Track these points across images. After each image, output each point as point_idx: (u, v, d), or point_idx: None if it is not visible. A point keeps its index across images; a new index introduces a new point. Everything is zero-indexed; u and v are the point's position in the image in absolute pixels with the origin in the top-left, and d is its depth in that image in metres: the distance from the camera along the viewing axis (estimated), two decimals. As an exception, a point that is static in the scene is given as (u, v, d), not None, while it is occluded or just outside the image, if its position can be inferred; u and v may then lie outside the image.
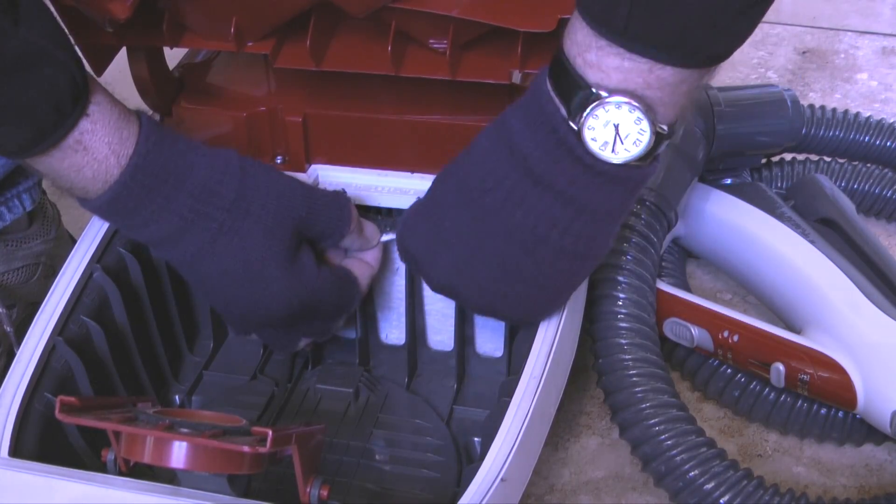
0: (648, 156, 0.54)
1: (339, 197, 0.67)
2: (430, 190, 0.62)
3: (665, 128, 0.53)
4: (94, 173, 0.58)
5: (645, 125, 0.52)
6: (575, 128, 0.53)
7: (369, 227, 0.69)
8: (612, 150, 0.53)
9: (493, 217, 0.57)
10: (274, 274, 0.63)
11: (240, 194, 0.61)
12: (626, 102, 0.52)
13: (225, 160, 0.62)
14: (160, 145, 0.59)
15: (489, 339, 0.75)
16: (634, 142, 0.53)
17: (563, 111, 0.53)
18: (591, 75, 0.52)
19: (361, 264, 0.69)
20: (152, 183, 0.59)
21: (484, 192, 0.57)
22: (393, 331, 0.76)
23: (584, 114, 0.52)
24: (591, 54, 0.51)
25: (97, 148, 0.58)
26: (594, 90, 0.52)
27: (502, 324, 0.73)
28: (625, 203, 0.57)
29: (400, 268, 0.72)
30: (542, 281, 0.59)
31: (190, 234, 0.61)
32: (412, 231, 0.63)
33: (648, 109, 0.52)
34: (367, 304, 0.74)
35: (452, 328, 0.73)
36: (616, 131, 0.52)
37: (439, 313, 0.74)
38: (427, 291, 0.73)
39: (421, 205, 0.63)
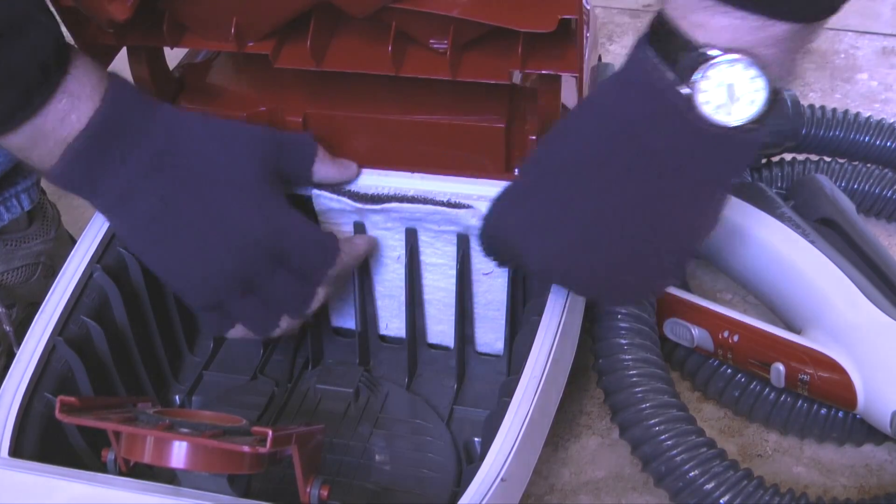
0: (764, 116, 0.52)
1: (304, 134, 0.67)
2: (524, 174, 0.60)
3: (780, 84, 0.51)
4: (67, 135, 0.58)
5: (760, 83, 0.51)
6: (685, 92, 0.51)
7: (346, 161, 0.68)
8: (727, 113, 0.51)
9: (605, 193, 0.55)
10: (236, 206, 0.61)
11: (196, 146, 0.61)
12: (739, 60, 0.50)
13: (183, 118, 0.62)
14: (122, 102, 0.59)
15: (490, 331, 0.74)
16: (751, 101, 0.51)
17: (671, 76, 0.51)
18: (700, 35, 0.50)
19: (348, 240, 0.68)
20: (110, 138, 0.59)
21: (594, 169, 0.55)
22: (393, 321, 0.76)
23: (696, 76, 0.50)
24: (697, 15, 0.50)
25: (77, 106, 0.58)
26: (704, 50, 0.50)
27: (503, 318, 0.73)
28: (737, 168, 0.55)
29: (401, 256, 0.72)
30: (652, 249, 0.57)
31: (152, 182, 0.60)
32: (508, 217, 0.60)
33: (763, 66, 0.50)
34: (367, 294, 0.74)
35: (453, 318, 0.73)
36: (730, 92, 0.51)
37: (440, 303, 0.74)
38: (427, 281, 0.73)
39: (515, 190, 0.61)
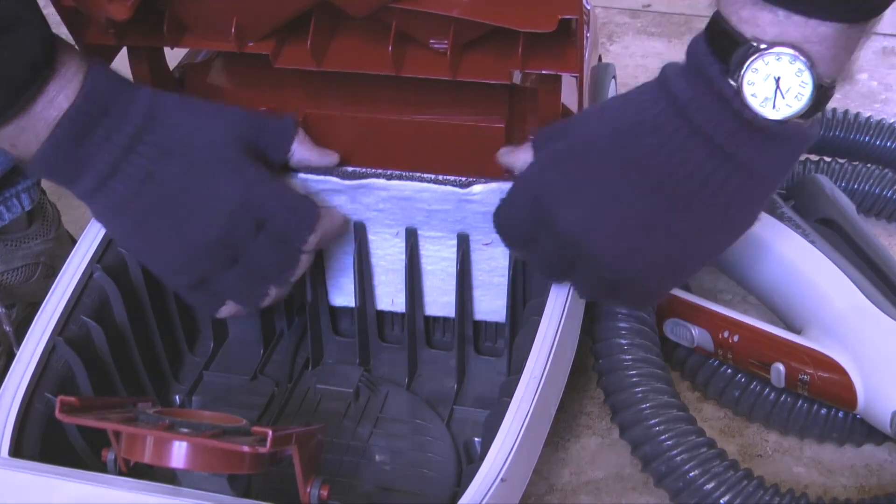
0: (811, 112, 0.53)
1: (286, 117, 0.67)
2: (571, 134, 0.60)
3: (828, 81, 0.53)
4: (56, 116, 0.59)
5: (806, 77, 0.52)
6: (734, 83, 0.53)
7: (327, 150, 0.69)
8: (773, 106, 0.53)
9: (645, 163, 0.56)
10: (214, 176, 0.61)
11: (174, 121, 0.62)
12: (786, 53, 0.51)
13: (161, 97, 0.62)
14: (103, 81, 0.60)
15: (494, 298, 0.74)
16: (796, 96, 0.52)
17: (720, 66, 0.53)
18: (748, 30, 0.52)
19: (329, 209, 0.68)
20: (96, 114, 0.60)
21: (639, 137, 0.56)
22: (398, 296, 0.75)
23: (744, 68, 0.52)
24: (746, 11, 0.52)
25: (64, 87, 0.59)
26: (753, 44, 0.52)
27: (504, 288, 0.72)
28: (783, 167, 0.56)
29: (400, 232, 0.72)
30: (685, 238, 0.58)
31: (132, 157, 0.61)
32: (546, 173, 0.60)
33: (809, 61, 0.52)
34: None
35: (454, 289, 0.73)
36: (777, 85, 0.52)
37: (444, 272, 0.73)
38: (428, 252, 0.72)
39: (557, 149, 0.60)
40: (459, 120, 0.68)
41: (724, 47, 0.53)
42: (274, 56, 0.66)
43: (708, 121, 0.54)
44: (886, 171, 0.93)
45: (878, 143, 0.93)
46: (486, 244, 0.71)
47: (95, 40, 0.67)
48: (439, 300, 0.74)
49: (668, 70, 0.57)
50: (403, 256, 0.72)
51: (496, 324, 0.76)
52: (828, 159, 0.93)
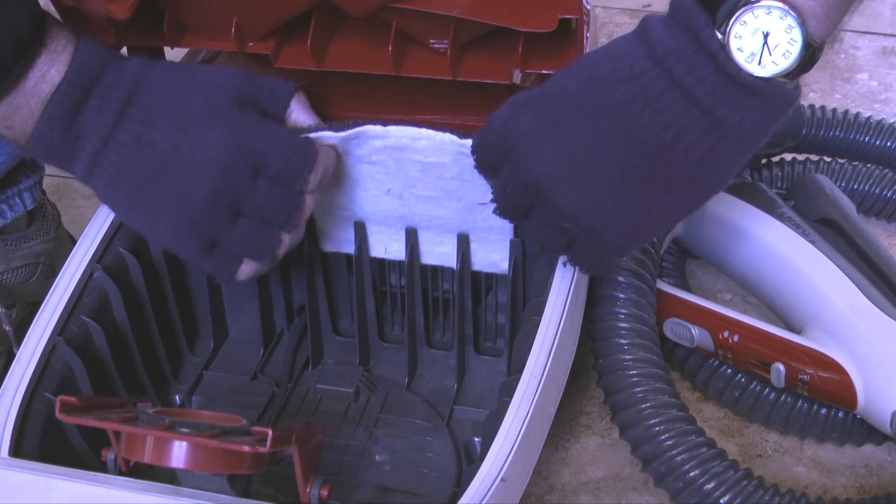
0: (797, 72, 0.52)
1: (286, 80, 0.65)
2: (550, 80, 0.58)
3: (817, 41, 0.52)
4: (48, 91, 0.58)
5: (796, 34, 0.51)
6: (720, 36, 0.52)
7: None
8: (759, 63, 0.52)
9: (620, 112, 0.54)
10: (206, 128, 0.59)
11: (166, 82, 0.61)
12: (777, 7, 0.51)
13: (152, 62, 0.62)
14: (93, 52, 0.60)
15: (493, 251, 0.72)
16: (784, 53, 0.51)
17: (706, 17, 0.52)
18: None
19: (325, 146, 0.65)
20: (88, 85, 0.59)
21: (616, 84, 0.54)
22: (392, 244, 0.73)
23: (732, 19, 0.51)
24: None
25: (56, 61, 0.58)
26: None
27: (502, 243, 0.71)
28: (762, 128, 0.54)
29: (391, 189, 0.69)
30: (651, 194, 0.56)
31: (125, 123, 0.60)
32: (517, 114, 0.58)
33: (801, 17, 0.51)
34: (364, 293, 0.74)
35: (455, 240, 0.71)
36: (764, 41, 0.51)
37: (439, 228, 0.71)
38: (421, 210, 0.70)
39: (534, 92, 0.58)
40: (459, 120, 0.68)
41: None
42: (274, 56, 0.66)
43: (688, 73, 0.53)
44: (886, 171, 0.93)
45: (878, 143, 0.93)
46: (483, 203, 0.67)
47: (96, 40, 0.66)
48: (435, 250, 0.72)
49: (648, 20, 0.55)
50: (395, 214, 0.70)
51: (496, 324, 0.76)
52: (828, 159, 0.93)
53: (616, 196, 0.56)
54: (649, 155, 0.55)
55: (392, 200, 0.70)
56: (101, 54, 0.60)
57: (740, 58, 0.52)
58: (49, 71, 0.58)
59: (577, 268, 0.64)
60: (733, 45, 0.52)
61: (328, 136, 0.65)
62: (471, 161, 0.64)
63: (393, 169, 0.67)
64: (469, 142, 0.63)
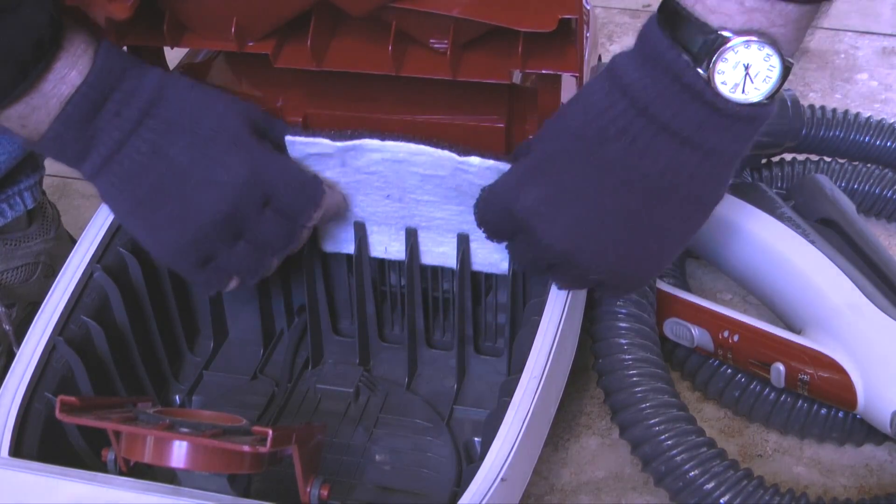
0: (776, 92, 0.54)
1: None
2: (536, 150, 0.60)
3: (790, 61, 0.53)
4: (68, 92, 0.59)
5: (775, 60, 0.53)
6: (702, 73, 0.53)
7: None
8: (742, 91, 0.53)
9: (617, 168, 0.57)
10: (221, 152, 0.62)
11: (184, 98, 0.62)
12: (754, 41, 0.52)
13: (171, 75, 0.63)
14: (114, 58, 0.61)
15: (492, 251, 0.72)
16: (764, 79, 0.53)
17: (686, 58, 0.53)
18: (714, 20, 0.53)
19: (332, 185, 0.68)
20: (107, 90, 0.60)
21: (604, 143, 0.56)
22: (392, 244, 0.73)
23: (714, 58, 0.52)
24: (711, 0, 0.52)
25: (76, 64, 0.59)
26: (720, 33, 0.52)
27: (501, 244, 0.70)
28: (747, 143, 0.57)
29: (391, 195, 0.70)
30: (666, 231, 0.59)
31: (141, 131, 0.61)
32: (521, 193, 0.60)
33: (776, 45, 0.52)
34: (364, 292, 0.74)
35: (455, 240, 0.72)
36: (746, 71, 0.53)
37: (439, 228, 0.71)
38: (421, 212, 0.70)
39: (527, 163, 0.61)
40: (459, 120, 0.68)
41: (686, 35, 0.53)
42: (274, 56, 0.66)
43: (675, 116, 0.55)
44: (886, 171, 0.93)
45: (878, 143, 0.93)
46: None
47: (95, 40, 0.67)
48: (435, 250, 0.73)
49: (618, 63, 0.56)
50: (395, 215, 0.71)
51: (496, 324, 0.76)
52: (828, 159, 0.93)
53: (635, 241, 0.59)
54: (654, 197, 0.57)
55: (392, 203, 0.71)
56: (123, 60, 0.61)
57: (725, 90, 0.54)
58: (70, 73, 0.59)
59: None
60: (717, 79, 0.53)
61: (325, 143, 0.66)
62: (469, 177, 0.66)
63: (392, 179, 0.68)
64: (468, 160, 0.65)
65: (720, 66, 0.53)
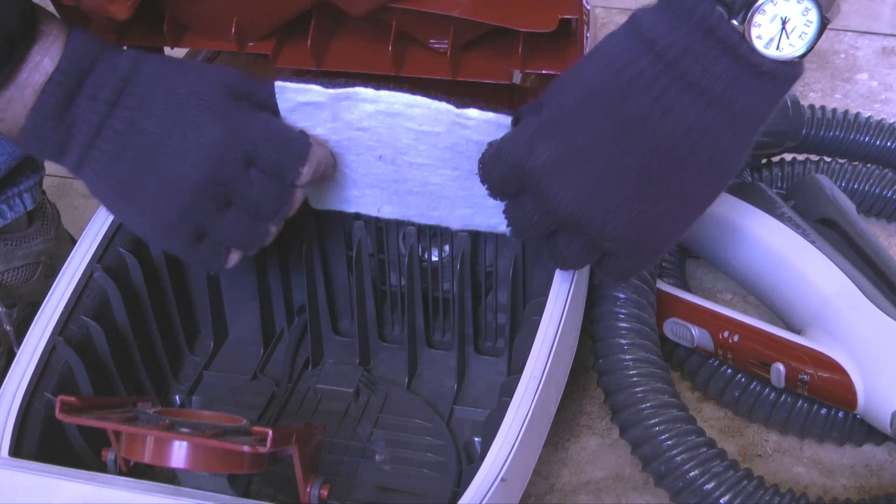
0: (811, 49, 0.53)
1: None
2: (550, 105, 0.57)
3: (828, 17, 0.52)
4: (42, 80, 0.58)
5: (813, 15, 0.52)
6: (738, 25, 0.51)
7: None
8: (777, 47, 0.52)
9: (638, 126, 0.54)
10: (198, 117, 0.59)
11: (159, 70, 0.60)
12: None
13: (146, 52, 0.61)
14: (86, 42, 0.59)
15: (491, 215, 0.68)
16: (801, 35, 0.52)
17: (721, 10, 0.52)
18: None
19: (319, 141, 0.64)
20: (81, 73, 0.59)
21: (626, 99, 0.54)
22: (385, 207, 0.70)
23: (751, 10, 0.51)
24: None
25: (49, 50, 0.58)
26: None
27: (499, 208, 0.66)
28: (774, 105, 0.55)
29: (384, 155, 0.66)
30: (684, 197, 0.56)
31: (118, 110, 0.59)
32: (533, 150, 0.56)
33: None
34: (364, 294, 0.74)
35: (452, 204, 0.68)
36: (783, 25, 0.52)
37: (432, 194, 0.68)
38: (413, 176, 0.67)
39: (542, 118, 0.57)
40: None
41: None
42: (274, 56, 0.66)
43: (706, 71, 0.52)
44: (886, 171, 0.93)
45: (878, 143, 0.93)
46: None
47: (95, 40, 0.67)
48: (430, 213, 0.69)
49: (641, 16, 0.54)
50: (387, 178, 0.67)
51: (496, 324, 0.76)
52: (828, 159, 0.93)
53: (653, 208, 0.56)
54: (676, 160, 0.55)
55: (385, 166, 0.67)
56: (94, 44, 0.60)
57: (759, 44, 0.52)
58: (42, 60, 0.58)
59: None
60: (753, 33, 0.52)
61: (317, 90, 0.63)
62: (466, 133, 0.62)
63: (385, 136, 0.65)
64: (466, 112, 0.61)
65: (757, 18, 0.51)
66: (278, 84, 0.63)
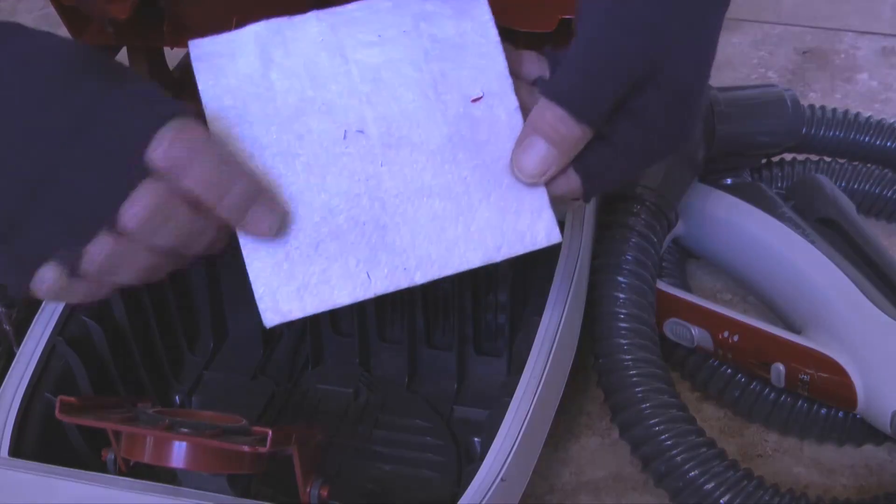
0: None
1: None
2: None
3: None
4: None
5: None
6: None
7: None
8: None
9: None
10: (24, 96, 0.45)
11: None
12: None
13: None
14: None
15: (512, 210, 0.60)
16: None
17: None
18: None
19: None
20: None
21: None
22: (376, 273, 0.55)
23: None
24: None
25: None
26: None
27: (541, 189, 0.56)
28: None
29: (348, 132, 0.51)
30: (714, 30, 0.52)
31: None
32: (651, 30, 0.50)
33: None
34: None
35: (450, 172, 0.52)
36: None
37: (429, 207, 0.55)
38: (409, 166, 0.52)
39: (622, 9, 0.50)
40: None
41: None
42: (274, 56, 0.66)
43: None
44: (886, 171, 0.93)
45: (878, 143, 0.93)
46: (476, 99, 0.51)
47: (95, 40, 0.67)
48: (440, 257, 0.52)
49: None
50: (359, 177, 0.51)
51: (496, 324, 0.76)
52: (828, 159, 0.93)
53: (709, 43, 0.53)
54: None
55: (355, 152, 0.50)
56: None
57: None
58: None
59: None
60: None
61: (237, 33, 0.50)
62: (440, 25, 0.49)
63: (344, 83, 0.49)
64: None
65: None
66: (192, 42, 0.52)
